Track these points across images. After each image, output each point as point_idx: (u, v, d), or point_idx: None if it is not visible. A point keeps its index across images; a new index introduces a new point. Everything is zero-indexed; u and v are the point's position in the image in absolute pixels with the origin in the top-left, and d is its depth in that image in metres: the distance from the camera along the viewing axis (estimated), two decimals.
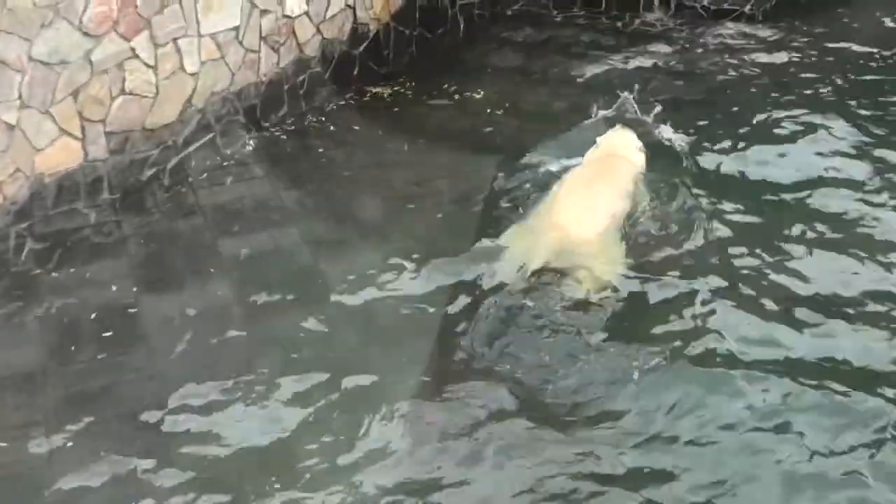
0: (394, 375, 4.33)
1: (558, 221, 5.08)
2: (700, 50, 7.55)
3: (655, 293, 4.75)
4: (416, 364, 4.40)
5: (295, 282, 4.96)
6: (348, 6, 6.83)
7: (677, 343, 4.44)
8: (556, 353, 4.38)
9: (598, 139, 5.77)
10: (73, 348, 4.52)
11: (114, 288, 4.90)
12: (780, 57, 7.32)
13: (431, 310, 4.71)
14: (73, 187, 5.34)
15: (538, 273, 4.75)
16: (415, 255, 5.05)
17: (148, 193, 5.64)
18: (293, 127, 6.48)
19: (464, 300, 4.74)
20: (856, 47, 7.38)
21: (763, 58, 7.33)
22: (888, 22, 7.80)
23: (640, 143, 5.72)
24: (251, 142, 6.24)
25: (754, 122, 6.36)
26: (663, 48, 7.59)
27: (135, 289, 4.91)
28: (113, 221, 5.40)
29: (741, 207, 5.43)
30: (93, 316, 4.71)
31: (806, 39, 7.59)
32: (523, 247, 4.97)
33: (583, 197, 5.26)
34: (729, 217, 5.36)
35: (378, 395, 4.22)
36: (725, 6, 7.99)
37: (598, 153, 5.65)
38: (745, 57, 7.37)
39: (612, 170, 5.51)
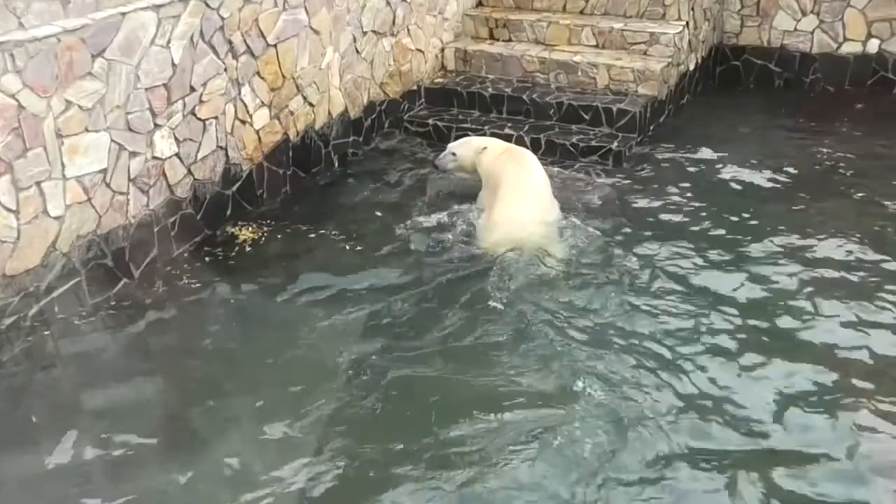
0: None
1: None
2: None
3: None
4: None
5: (162, 434, 4.76)
6: (220, 147, 6.82)
7: None
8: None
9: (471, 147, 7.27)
10: None
11: None
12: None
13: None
14: None
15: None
16: (289, 401, 4.94)
17: (5, 343, 5.37)
18: (163, 270, 6.33)
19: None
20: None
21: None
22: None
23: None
24: (119, 286, 6.05)
25: None
26: None
27: None
28: None
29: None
30: None
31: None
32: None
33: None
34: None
35: None
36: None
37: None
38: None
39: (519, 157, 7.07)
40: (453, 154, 7.49)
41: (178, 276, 6.32)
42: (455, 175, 7.59)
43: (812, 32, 9.78)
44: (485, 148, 7.39)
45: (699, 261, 6.39)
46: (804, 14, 9.78)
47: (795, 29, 9.83)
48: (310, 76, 7.58)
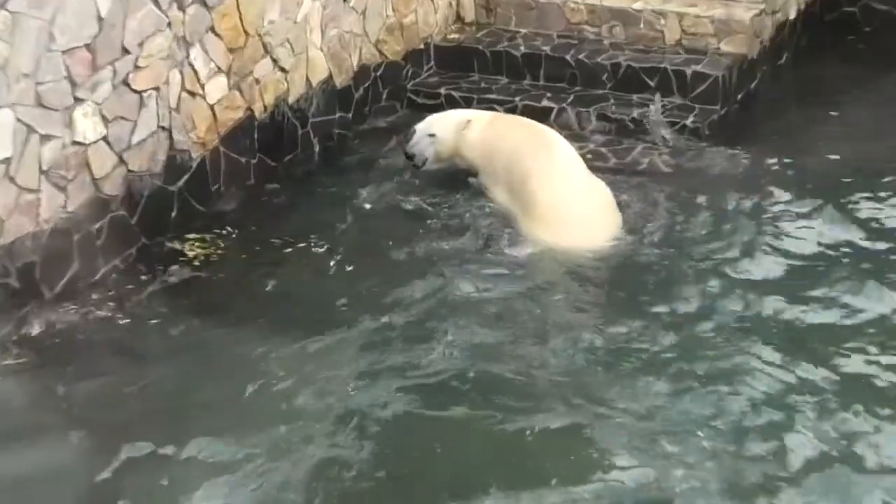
0: None
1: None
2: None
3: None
4: None
5: None
6: (162, 128, 6.83)
7: None
8: None
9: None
10: None
11: None
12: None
13: None
14: None
15: None
16: (252, 473, 4.99)
17: None
18: (87, 292, 6.33)
19: None
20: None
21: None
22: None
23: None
24: (26, 312, 6.05)
25: None
26: None
27: None
28: None
29: None
30: None
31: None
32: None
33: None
34: None
35: None
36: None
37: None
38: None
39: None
40: (430, 136, 7.52)
41: (105, 301, 6.29)
42: (432, 167, 7.56)
43: None
44: (469, 121, 7.50)
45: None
46: None
47: None
48: (281, 32, 7.56)
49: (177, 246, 6.87)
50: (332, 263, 6.72)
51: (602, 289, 6.60)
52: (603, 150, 8.04)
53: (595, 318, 6.21)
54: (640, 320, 6.08)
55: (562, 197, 6.95)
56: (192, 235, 6.96)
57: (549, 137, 7.30)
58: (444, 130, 7.50)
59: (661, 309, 6.22)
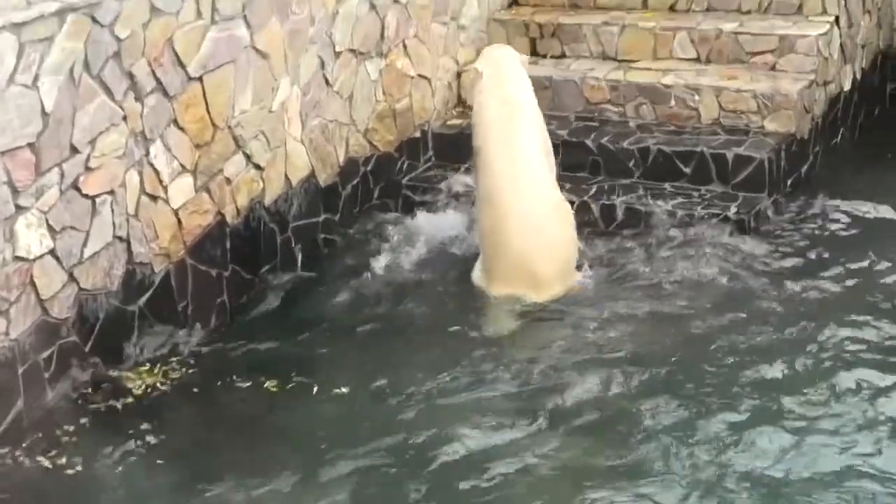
0: None
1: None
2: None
3: None
4: None
5: None
6: (118, 238, 6.87)
7: None
8: None
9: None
10: None
11: None
12: None
13: None
14: None
15: None
16: None
17: None
18: (33, 432, 6.33)
19: None
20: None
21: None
22: None
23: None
24: None
25: None
26: None
27: None
28: None
29: None
30: None
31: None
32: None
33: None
34: None
35: None
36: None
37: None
38: None
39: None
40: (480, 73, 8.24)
41: (56, 442, 6.28)
42: None
43: None
44: (479, 73, 8.17)
45: None
46: None
47: None
48: (255, 123, 7.66)
49: (138, 376, 6.87)
50: (325, 402, 6.70)
51: None
52: (635, 250, 8.12)
53: None
54: None
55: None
56: (154, 363, 6.98)
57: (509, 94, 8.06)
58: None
59: None
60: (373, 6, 8.48)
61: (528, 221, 7.63)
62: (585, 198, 8.49)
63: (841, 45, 9.26)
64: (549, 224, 7.70)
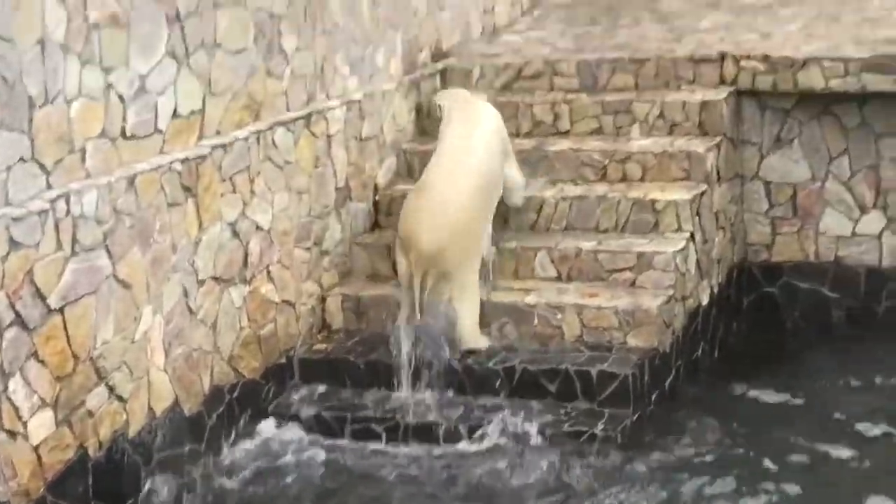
0: None
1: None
2: None
3: None
4: None
5: None
6: None
7: None
8: None
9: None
10: None
11: None
12: None
13: None
14: None
15: None
16: None
17: None
18: None
19: None
20: None
21: None
22: None
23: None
24: None
25: None
26: None
27: None
28: None
29: None
30: None
31: None
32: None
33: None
34: None
35: None
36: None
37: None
38: None
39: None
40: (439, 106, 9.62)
41: None
42: None
43: (879, 237, 10.21)
44: (439, 106, 9.61)
45: None
46: (863, 210, 10.22)
47: (854, 233, 10.25)
48: (117, 354, 7.59)
49: None
50: None
51: None
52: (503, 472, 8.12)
53: None
54: None
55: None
56: None
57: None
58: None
59: None
60: (235, 233, 8.52)
61: (438, 197, 8.84)
62: (451, 423, 8.50)
63: (697, 260, 9.47)
64: (455, 213, 8.78)
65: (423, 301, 8.63)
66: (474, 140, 9.12)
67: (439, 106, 9.47)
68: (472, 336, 8.90)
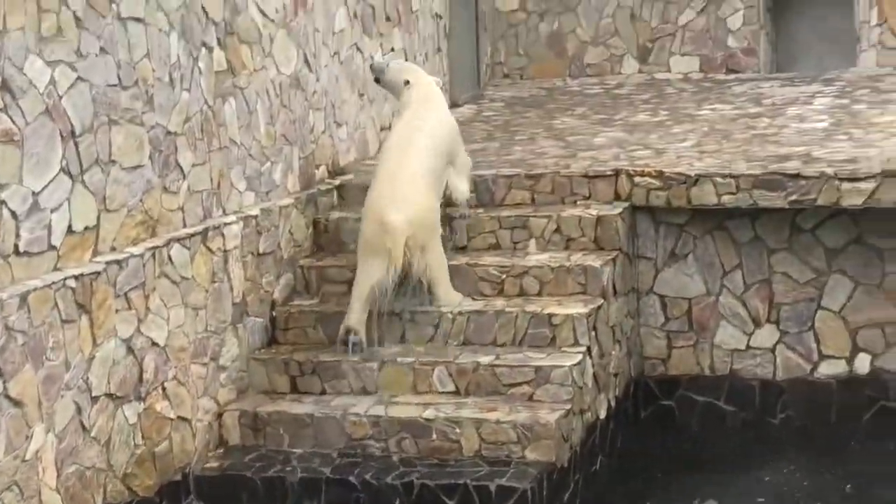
0: None
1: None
2: None
3: None
4: None
5: None
6: None
7: None
8: None
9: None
10: None
11: None
12: None
13: None
14: None
15: None
16: None
17: None
18: None
19: None
20: None
21: None
22: None
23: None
24: None
25: None
26: None
27: None
28: None
29: None
30: None
31: None
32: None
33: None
34: None
35: None
36: None
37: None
38: None
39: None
40: (386, 66, 10.29)
41: None
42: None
43: (773, 350, 10.36)
44: (407, 82, 10.02)
45: None
46: (757, 324, 10.38)
47: (748, 347, 10.40)
48: (8, 473, 7.46)
49: None
50: None
51: None
52: None
53: None
54: None
55: None
56: None
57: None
58: (394, 75, 10.23)
59: None
60: (130, 350, 8.45)
61: (392, 180, 9.53)
62: None
63: (594, 374, 9.53)
64: (411, 191, 9.48)
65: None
66: (427, 125, 9.85)
67: (406, 81, 10.02)
68: (448, 297, 9.67)
